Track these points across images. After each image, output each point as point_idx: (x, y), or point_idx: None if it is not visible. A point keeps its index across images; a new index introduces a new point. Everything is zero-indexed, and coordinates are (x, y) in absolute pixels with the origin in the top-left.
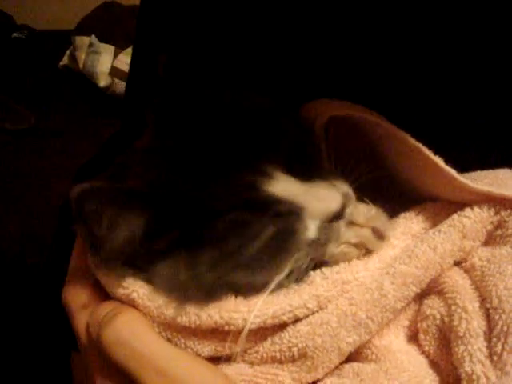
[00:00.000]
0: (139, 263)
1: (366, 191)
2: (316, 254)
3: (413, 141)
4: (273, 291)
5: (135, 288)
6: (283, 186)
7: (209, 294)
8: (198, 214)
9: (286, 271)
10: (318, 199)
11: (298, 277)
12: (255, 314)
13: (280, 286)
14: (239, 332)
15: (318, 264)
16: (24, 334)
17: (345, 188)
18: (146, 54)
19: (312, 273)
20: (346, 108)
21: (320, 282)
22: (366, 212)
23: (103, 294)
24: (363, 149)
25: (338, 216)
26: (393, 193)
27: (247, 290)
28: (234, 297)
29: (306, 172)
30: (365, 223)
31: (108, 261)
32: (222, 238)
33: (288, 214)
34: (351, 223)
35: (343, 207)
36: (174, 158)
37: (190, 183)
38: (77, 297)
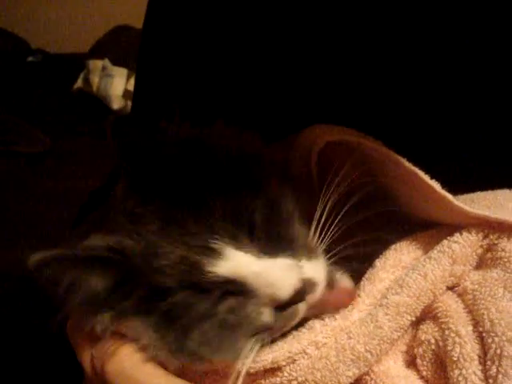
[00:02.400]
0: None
1: (361, 216)
2: (277, 334)
3: (409, 165)
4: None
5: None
6: (232, 266)
7: (183, 360)
8: (151, 288)
9: (255, 348)
10: (267, 284)
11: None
12: (255, 360)
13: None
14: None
15: None
16: (35, 364)
17: (309, 270)
18: (147, 79)
19: (312, 320)
20: (342, 133)
21: (320, 328)
22: None
23: None
24: (359, 174)
25: (292, 302)
26: (389, 216)
27: (219, 364)
28: None
29: (271, 242)
30: None
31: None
32: (176, 315)
33: (238, 294)
34: None
35: (300, 292)
36: (135, 221)
37: (142, 255)
38: (81, 329)
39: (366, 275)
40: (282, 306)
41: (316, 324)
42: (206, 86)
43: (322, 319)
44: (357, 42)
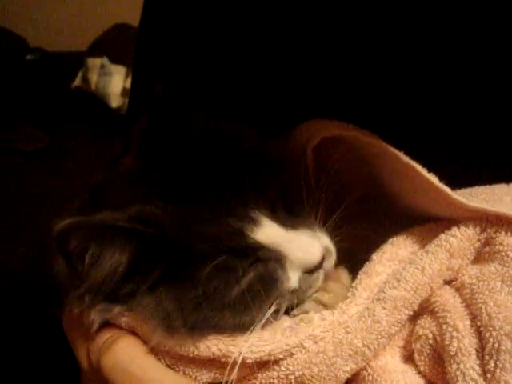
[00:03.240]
0: (119, 298)
1: (359, 210)
2: (297, 301)
3: (406, 159)
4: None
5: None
6: (268, 233)
7: (193, 330)
8: (183, 254)
9: (269, 313)
10: (300, 249)
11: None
12: (252, 350)
13: (265, 324)
14: (237, 362)
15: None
16: (33, 359)
17: (326, 240)
18: (144, 78)
19: (311, 313)
20: (338, 128)
21: (318, 322)
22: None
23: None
24: (357, 167)
25: (318, 267)
26: (387, 210)
27: (232, 331)
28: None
29: (290, 218)
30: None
31: (87, 296)
32: (206, 280)
33: (270, 261)
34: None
35: (323, 259)
36: (159, 192)
37: (175, 222)
38: (77, 325)
39: (363, 269)
40: (307, 272)
41: (315, 318)
42: (202, 82)
43: (322, 314)
44: (356, 37)
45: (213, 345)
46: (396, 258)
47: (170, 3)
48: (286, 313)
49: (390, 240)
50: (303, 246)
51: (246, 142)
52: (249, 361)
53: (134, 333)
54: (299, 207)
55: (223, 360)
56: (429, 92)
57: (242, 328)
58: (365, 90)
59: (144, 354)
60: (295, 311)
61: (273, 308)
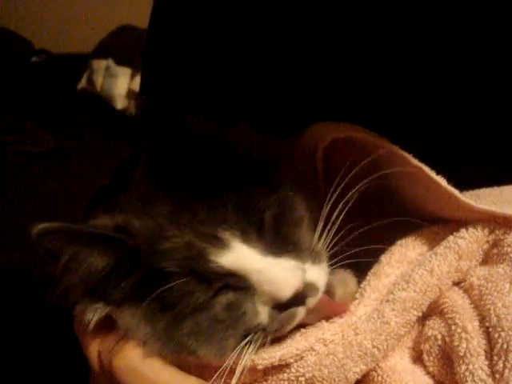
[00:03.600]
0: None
1: (369, 212)
2: (274, 336)
3: (415, 161)
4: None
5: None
6: (237, 258)
7: (172, 354)
8: (152, 270)
9: (250, 348)
10: (269, 282)
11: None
12: (263, 357)
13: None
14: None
15: None
16: (42, 359)
17: (313, 274)
18: (153, 81)
19: None
20: (347, 130)
21: (327, 326)
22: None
23: (113, 323)
24: (366, 169)
25: (292, 304)
26: (395, 212)
27: (208, 359)
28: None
29: (277, 242)
30: None
31: (65, 295)
32: (171, 302)
33: (239, 290)
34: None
35: (300, 295)
36: (146, 203)
37: (146, 235)
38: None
39: (372, 270)
40: (280, 307)
41: (323, 321)
42: (210, 84)
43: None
44: (358, 39)
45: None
46: (405, 260)
47: (179, 4)
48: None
49: (399, 242)
50: (274, 277)
51: (254, 152)
52: (259, 367)
53: None
54: (299, 227)
55: (233, 367)
56: (432, 93)
57: (216, 357)
58: (368, 91)
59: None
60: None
61: (244, 343)
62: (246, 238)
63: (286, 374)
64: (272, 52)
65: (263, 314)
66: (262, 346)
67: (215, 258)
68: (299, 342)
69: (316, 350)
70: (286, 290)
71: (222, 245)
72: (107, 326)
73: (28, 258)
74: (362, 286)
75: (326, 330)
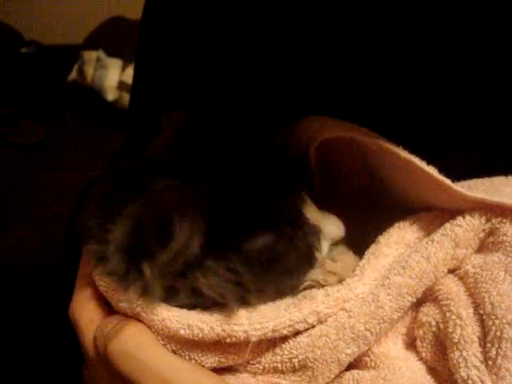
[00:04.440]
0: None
1: (362, 205)
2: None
3: (405, 154)
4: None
5: (139, 302)
6: (310, 211)
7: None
8: (243, 224)
9: (305, 284)
10: (332, 224)
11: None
12: (255, 327)
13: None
14: (241, 344)
15: None
16: (36, 347)
17: None
18: (146, 73)
19: (314, 290)
20: (336, 129)
21: (321, 298)
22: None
23: (109, 309)
24: (359, 163)
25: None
26: (389, 204)
27: (282, 294)
28: (235, 309)
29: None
30: (339, 273)
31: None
32: (261, 248)
33: (311, 234)
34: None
35: None
36: (225, 172)
37: (241, 197)
38: (84, 312)
39: (370, 249)
40: (333, 244)
41: (318, 295)
42: (205, 76)
43: (326, 290)
44: (356, 34)
45: (217, 326)
46: (403, 242)
47: None
48: None
49: (397, 224)
50: (333, 221)
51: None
52: (253, 339)
53: (139, 320)
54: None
55: (228, 341)
56: (430, 87)
57: (282, 295)
58: (366, 84)
59: (151, 341)
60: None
61: (306, 281)
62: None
63: (279, 357)
64: (268, 45)
65: (325, 249)
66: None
67: (304, 211)
68: (292, 314)
69: (309, 322)
70: (343, 229)
71: (304, 201)
72: (104, 312)
73: (18, 248)
74: (360, 264)
75: (320, 303)
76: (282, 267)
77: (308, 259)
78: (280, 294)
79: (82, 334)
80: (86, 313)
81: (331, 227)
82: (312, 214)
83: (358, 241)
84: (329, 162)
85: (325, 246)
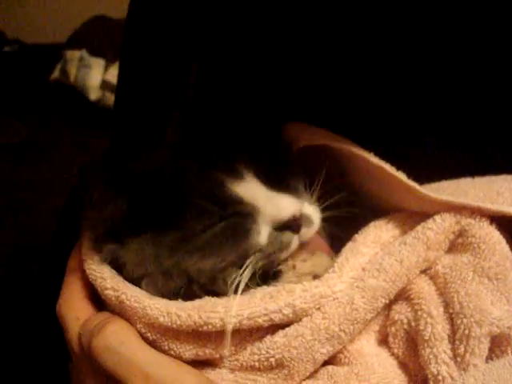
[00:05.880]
0: (119, 236)
1: (339, 208)
2: (266, 261)
3: (375, 160)
4: (244, 293)
5: (124, 290)
6: (248, 188)
7: (165, 276)
8: (172, 199)
9: (246, 271)
10: (273, 205)
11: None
12: (231, 315)
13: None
14: (218, 335)
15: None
16: (22, 344)
17: (309, 209)
18: (130, 72)
19: (293, 284)
20: (313, 137)
21: (299, 293)
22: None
23: (94, 308)
24: (338, 167)
25: (289, 227)
26: (364, 207)
27: (197, 277)
28: (211, 298)
29: (279, 184)
30: (311, 271)
31: (93, 228)
32: (184, 222)
33: (246, 215)
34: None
35: (297, 221)
36: (175, 151)
37: (174, 171)
38: (70, 310)
39: (347, 247)
40: (279, 228)
41: (297, 289)
42: (190, 76)
43: (304, 285)
44: (354, 34)
45: (194, 313)
46: (379, 241)
47: None
48: (265, 283)
49: (373, 223)
50: (278, 201)
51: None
52: (229, 326)
53: (123, 308)
54: (297, 183)
55: (205, 329)
56: (428, 88)
57: (204, 275)
58: (364, 84)
59: (133, 337)
60: (275, 283)
61: (247, 269)
62: (257, 175)
63: (256, 356)
64: (257, 44)
65: (264, 235)
66: (253, 278)
67: (232, 187)
68: (268, 303)
69: (284, 313)
70: (286, 211)
71: (238, 176)
72: (90, 310)
73: (3, 244)
74: (338, 260)
75: (298, 297)
76: (193, 246)
77: (236, 240)
78: (199, 275)
79: (67, 331)
80: (72, 311)
81: (270, 208)
82: (252, 191)
83: (340, 240)
84: (310, 166)
85: (264, 230)
